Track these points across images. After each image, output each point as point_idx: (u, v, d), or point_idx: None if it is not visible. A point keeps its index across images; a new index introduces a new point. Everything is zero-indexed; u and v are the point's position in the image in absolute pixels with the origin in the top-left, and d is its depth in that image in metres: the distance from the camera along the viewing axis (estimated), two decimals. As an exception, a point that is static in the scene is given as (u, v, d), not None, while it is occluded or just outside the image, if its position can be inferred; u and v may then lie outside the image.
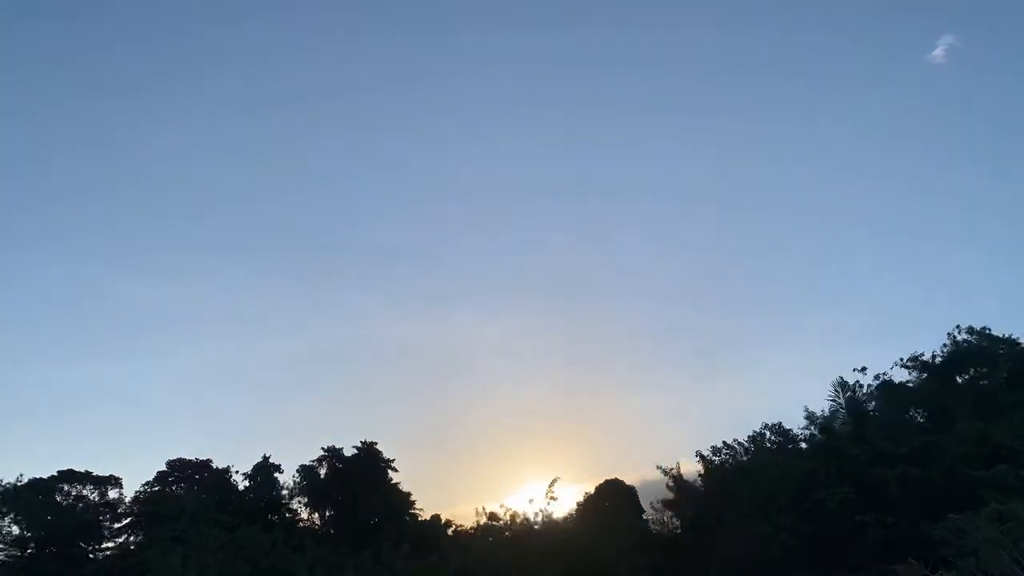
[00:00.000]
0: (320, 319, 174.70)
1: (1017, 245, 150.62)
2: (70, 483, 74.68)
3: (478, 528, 73.10)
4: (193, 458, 77.80)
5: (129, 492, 76.39)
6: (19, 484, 71.99)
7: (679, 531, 66.20)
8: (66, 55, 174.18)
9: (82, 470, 75.69)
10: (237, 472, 78.10)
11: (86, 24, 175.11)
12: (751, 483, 58.70)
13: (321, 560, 65.43)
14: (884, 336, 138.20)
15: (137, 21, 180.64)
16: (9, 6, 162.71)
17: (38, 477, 73.42)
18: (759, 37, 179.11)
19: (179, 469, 76.72)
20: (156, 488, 75.50)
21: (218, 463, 78.30)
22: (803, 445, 64.20)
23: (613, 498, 73.24)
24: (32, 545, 70.90)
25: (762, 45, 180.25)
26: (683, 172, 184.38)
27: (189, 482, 76.63)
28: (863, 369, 63.60)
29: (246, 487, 77.40)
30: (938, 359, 62.62)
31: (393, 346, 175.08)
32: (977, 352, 61.40)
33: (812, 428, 64.04)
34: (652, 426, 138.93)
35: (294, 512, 78.03)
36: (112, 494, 76.16)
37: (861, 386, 63.58)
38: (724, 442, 66.31)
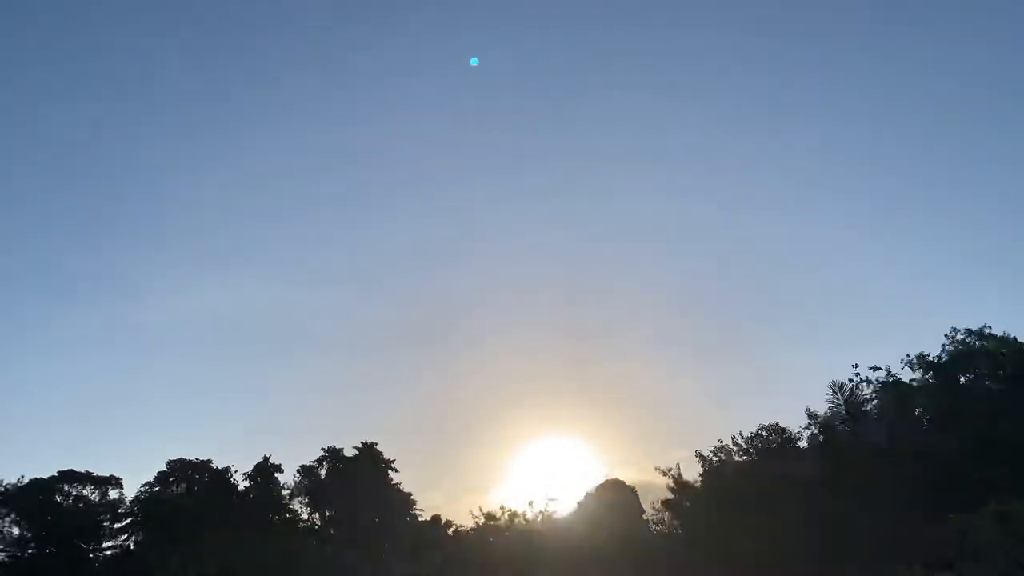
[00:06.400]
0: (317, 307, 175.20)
1: (1018, 244, 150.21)
2: (70, 483, 74.66)
3: (478, 528, 73.20)
4: (193, 458, 77.76)
5: (129, 492, 76.43)
6: (19, 484, 72.00)
7: (679, 531, 66.11)
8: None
9: (82, 470, 75.69)
10: (237, 472, 78.16)
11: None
12: (751, 483, 58.62)
13: (322, 560, 65.50)
14: (884, 336, 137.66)
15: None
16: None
17: (38, 477, 73.46)
18: (759, 38, 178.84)
19: (179, 469, 76.67)
20: (156, 488, 75.46)
21: (218, 463, 78.29)
22: (803, 445, 64.05)
23: (613, 498, 73.15)
24: (32, 545, 70.95)
25: (764, 45, 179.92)
26: (685, 173, 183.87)
27: (189, 482, 76.58)
28: (873, 367, 63.25)
29: (246, 487, 77.39)
30: (939, 359, 62.36)
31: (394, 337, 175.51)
32: (978, 352, 61.17)
33: (812, 428, 63.91)
34: (653, 426, 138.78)
35: (294, 512, 78.09)
36: (112, 494, 76.17)
37: (862, 384, 63.32)
38: (724, 442, 66.21)
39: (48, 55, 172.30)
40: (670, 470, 67.27)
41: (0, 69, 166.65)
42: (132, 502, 75.61)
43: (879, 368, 62.74)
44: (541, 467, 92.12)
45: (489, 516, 72.44)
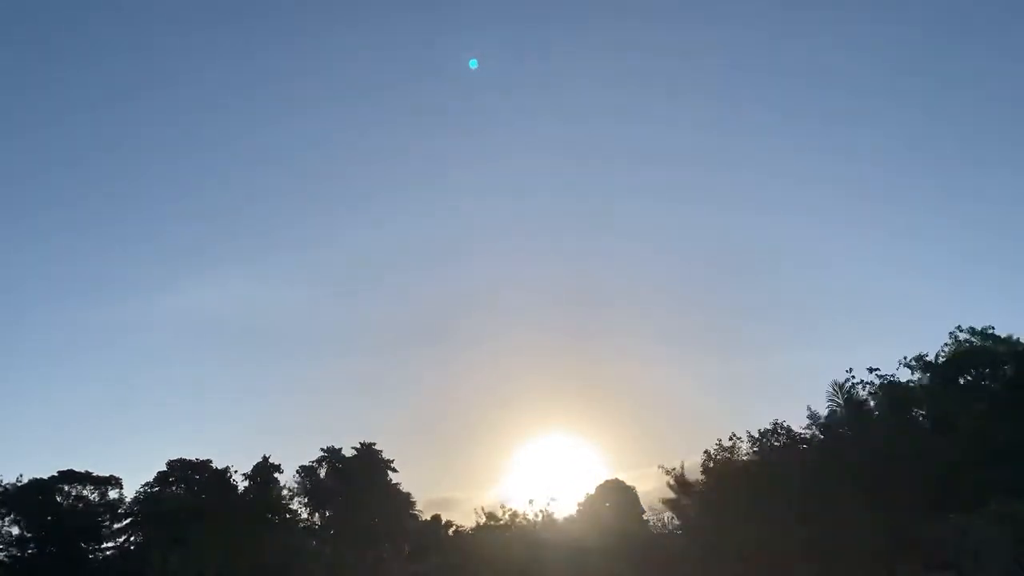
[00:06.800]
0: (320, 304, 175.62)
1: (1018, 244, 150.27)
2: (70, 483, 74.65)
3: (478, 528, 73.11)
4: (193, 458, 77.75)
5: (129, 492, 76.45)
6: (19, 484, 71.96)
7: (680, 531, 66.04)
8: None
9: (82, 470, 75.67)
10: (237, 472, 78.11)
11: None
12: (752, 483, 58.53)
13: (321, 560, 65.47)
14: (884, 336, 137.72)
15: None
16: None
17: (38, 477, 73.47)
18: (759, 38, 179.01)
19: (179, 469, 76.64)
20: (156, 488, 75.44)
21: (218, 463, 78.28)
22: (804, 445, 63.95)
23: (614, 498, 73.14)
24: (32, 545, 70.91)
25: (763, 48, 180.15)
26: (685, 173, 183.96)
27: (189, 482, 76.55)
28: (869, 369, 63.16)
29: (246, 487, 77.34)
30: (939, 359, 62.36)
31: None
32: (978, 352, 61.12)
33: (813, 428, 63.79)
34: (653, 426, 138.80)
35: (294, 512, 78.07)
36: (112, 494, 76.18)
37: (863, 384, 63.24)
38: (724, 442, 66.06)
39: (46, 54, 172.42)
40: (671, 470, 67.22)
41: None
42: (132, 502, 75.62)
43: (876, 369, 62.70)
44: (542, 467, 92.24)
45: (490, 516, 72.29)
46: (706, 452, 66.46)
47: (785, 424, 64.21)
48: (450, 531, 77.41)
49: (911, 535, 44.55)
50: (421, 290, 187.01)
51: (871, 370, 63.38)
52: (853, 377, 63.69)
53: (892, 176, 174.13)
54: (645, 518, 70.33)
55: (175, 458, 77.29)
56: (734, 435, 65.09)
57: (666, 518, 68.41)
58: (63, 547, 70.62)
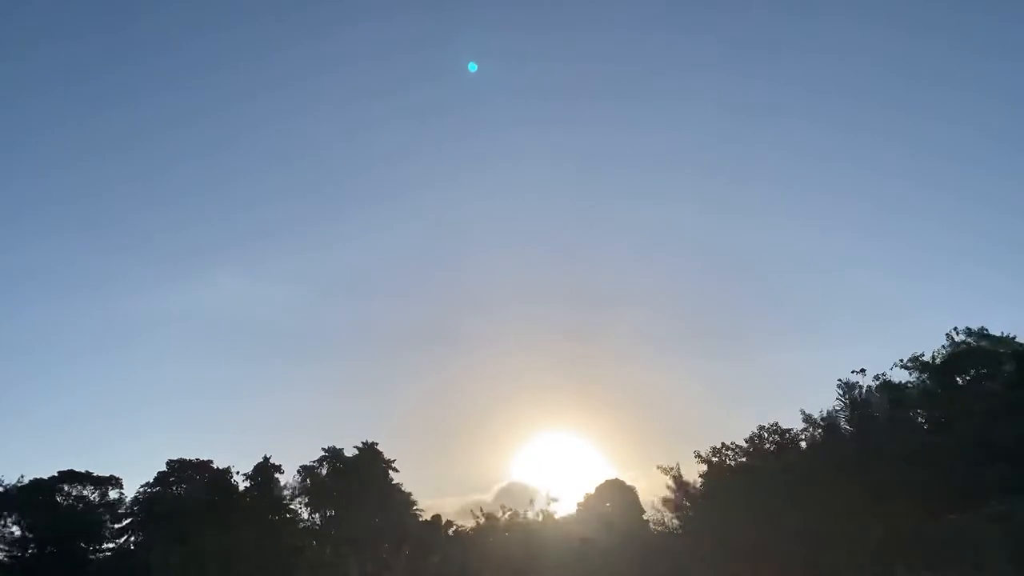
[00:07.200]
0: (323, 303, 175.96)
1: (1017, 244, 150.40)
2: (70, 483, 74.71)
3: (478, 528, 73.19)
4: (193, 458, 77.76)
5: (129, 492, 76.50)
6: (19, 484, 71.97)
7: (679, 531, 66.16)
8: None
9: (82, 470, 75.76)
10: (237, 472, 78.07)
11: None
12: (751, 483, 58.67)
13: (322, 560, 65.52)
14: (884, 336, 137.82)
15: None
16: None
17: (38, 477, 73.47)
18: (754, 44, 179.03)
19: (179, 469, 76.65)
20: (156, 488, 75.45)
21: (218, 463, 78.29)
22: (802, 445, 64.09)
23: (614, 498, 73.25)
24: (32, 545, 70.93)
25: (761, 54, 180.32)
26: (685, 177, 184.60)
27: (189, 482, 76.56)
28: (863, 370, 63.36)
29: (246, 487, 77.30)
30: (938, 360, 62.53)
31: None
32: (977, 352, 61.30)
33: (811, 429, 63.90)
34: (653, 426, 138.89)
35: (294, 512, 77.98)
36: (112, 494, 76.29)
37: (861, 386, 63.43)
38: (723, 442, 66.23)
39: (47, 57, 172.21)
40: (671, 470, 67.35)
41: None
42: (132, 502, 75.65)
43: (863, 370, 62.93)
44: (542, 467, 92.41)
45: (490, 516, 72.42)
46: (701, 454, 66.60)
47: (777, 425, 64.54)
48: (450, 531, 77.47)
49: (910, 535, 44.66)
50: (422, 291, 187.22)
51: (862, 371, 63.96)
52: (856, 377, 64.14)
53: (889, 177, 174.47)
54: (645, 518, 70.43)
55: (175, 458, 77.37)
56: (733, 443, 65.72)
57: (666, 518, 68.56)
58: (63, 547, 70.62)
